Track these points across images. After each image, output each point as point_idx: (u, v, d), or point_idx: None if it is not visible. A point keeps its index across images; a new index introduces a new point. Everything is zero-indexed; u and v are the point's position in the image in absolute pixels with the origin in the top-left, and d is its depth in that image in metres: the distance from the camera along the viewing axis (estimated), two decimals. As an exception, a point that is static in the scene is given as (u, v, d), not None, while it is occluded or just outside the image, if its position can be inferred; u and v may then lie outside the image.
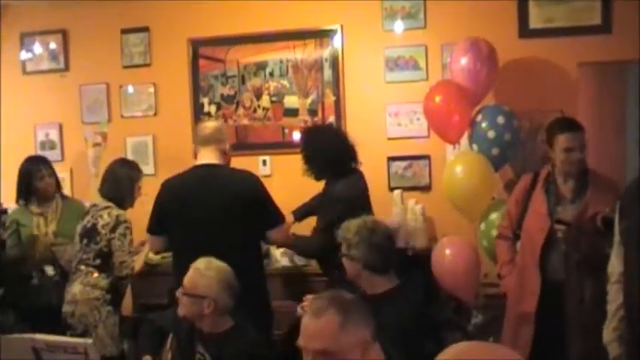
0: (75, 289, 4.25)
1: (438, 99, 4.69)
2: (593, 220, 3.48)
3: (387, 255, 3.33)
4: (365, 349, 2.16)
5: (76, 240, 4.39)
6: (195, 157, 4.00)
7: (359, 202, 4.12)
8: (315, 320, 2.17)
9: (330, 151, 4.22)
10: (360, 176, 4.30)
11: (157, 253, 3.97)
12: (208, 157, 3.91)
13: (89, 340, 2.93)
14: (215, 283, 3.16)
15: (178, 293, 3.21)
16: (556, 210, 3.74)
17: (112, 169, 4.52)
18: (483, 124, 4.64)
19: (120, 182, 4.43)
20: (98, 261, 4.26)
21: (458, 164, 4.66)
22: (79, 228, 4.38)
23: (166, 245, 3.95)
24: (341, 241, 3.37)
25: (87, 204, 4.87)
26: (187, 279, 3.21)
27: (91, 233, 4.29)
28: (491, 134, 4.61)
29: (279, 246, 4.26)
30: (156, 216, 3.91)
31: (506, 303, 4.02)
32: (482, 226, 4.63)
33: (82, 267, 4.28)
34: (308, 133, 4.45)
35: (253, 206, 3.81)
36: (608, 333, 3.18)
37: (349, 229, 3.35)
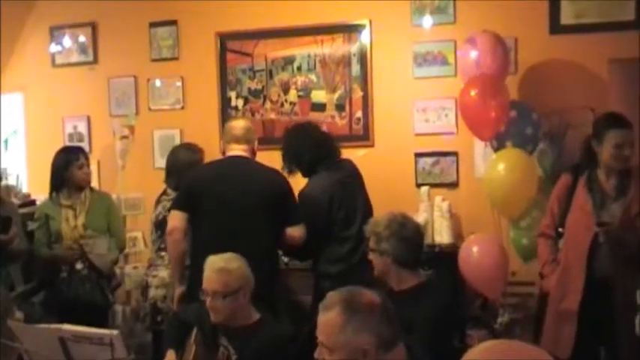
0: (162, 273, 4.49)
1: (473, 93, 4.58)
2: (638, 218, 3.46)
3: (417, 249, 3.32)
4: (364, 356, 2.15)
5: (151, 229, 4.64)
6: (224, 154, 4.13)
7: (321, 202, 4.08)
8: (322, 313, 2.22)
9: (297, 151, 4.23)
10: (325, 175, 4.17)
11: (172, 230, 3.96)
12: (239, 152, 4.03)
13: (115, 332, 2.92)
14: (242, 271, 3.21)
15: (208, 303, 3.17)
16: (604, 207, 3.68)
17: (173, 157, 4.63)
18: (520, 121, 4.60)
19: (181, 170, 4.47)
20: None
21: (501, 161, 4.60)
22: (152, 217, 4.60)
23: (186, 223, 3.94)
24: (368, 235, 3.35)
25: (114, 196, 4.91)
26: (215, 283, 3.17)
27: (162, 225, 4.36)
28: (529, 130, 4.59)
29: (293, 245, 4.13)
30: (184, 194, 4.01)
31: (547, 301, 3.91)
32: (524, 223, 4.58)
33: (163, 253, 4.47)
34: (285, 132, 4.42)
35: (281, 200, 3.91)
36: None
37: (379, 223, 3.33)
